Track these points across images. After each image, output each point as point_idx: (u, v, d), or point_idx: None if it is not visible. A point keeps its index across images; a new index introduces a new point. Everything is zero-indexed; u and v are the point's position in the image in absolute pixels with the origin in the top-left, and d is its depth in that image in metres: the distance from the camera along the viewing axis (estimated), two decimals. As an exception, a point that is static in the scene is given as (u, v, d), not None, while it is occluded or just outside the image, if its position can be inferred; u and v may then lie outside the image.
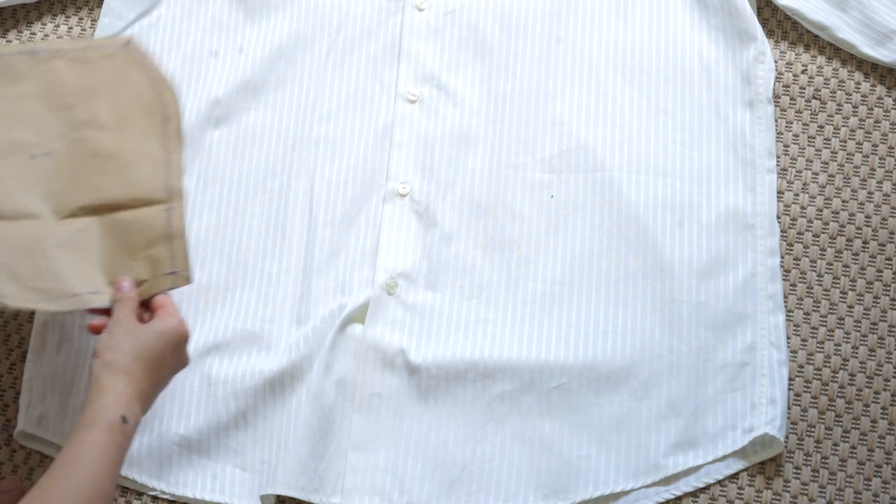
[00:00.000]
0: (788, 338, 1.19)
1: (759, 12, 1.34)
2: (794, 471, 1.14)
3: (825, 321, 1.20)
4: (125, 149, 1.16)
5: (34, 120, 1.18)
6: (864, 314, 1.20)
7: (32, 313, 1.22)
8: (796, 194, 1.26)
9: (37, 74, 1.20)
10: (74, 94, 1.19)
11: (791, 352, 1.19)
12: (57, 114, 1.18)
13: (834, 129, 1.29)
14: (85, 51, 1.21)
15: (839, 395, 1.17)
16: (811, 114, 1.30)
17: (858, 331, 1.19)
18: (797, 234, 1.24)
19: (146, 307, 1.09)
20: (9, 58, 1.20)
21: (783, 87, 1.31)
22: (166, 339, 1.05)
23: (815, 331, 1.20)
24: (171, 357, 1.06)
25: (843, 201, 1.26)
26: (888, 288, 1.21)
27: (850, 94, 1.30)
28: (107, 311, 1.08)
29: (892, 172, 1.27)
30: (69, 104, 1.18)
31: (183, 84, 1.32)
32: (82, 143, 1.16)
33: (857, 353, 1.18)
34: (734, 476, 1.14)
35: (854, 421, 1.16)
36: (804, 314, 1.20)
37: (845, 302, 1.21)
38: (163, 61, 1.33)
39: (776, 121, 1.29)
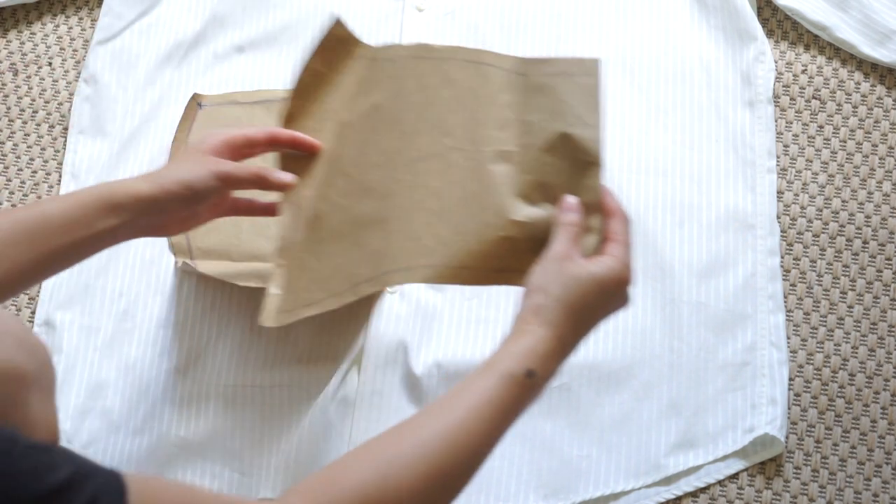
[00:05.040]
0: (788, 338, 1.19)
1: (759, 12, 1.34)
2: (794, 471, 1.14)
3: (825, 321, 1.20)
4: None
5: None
6: (863, 314, 1.20)
7: (33, 313, 1.22)
8: (796, 194, 1.26)
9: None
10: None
11: (791, 352, 1.18)
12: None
13: (834, 129, 1.29)
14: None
15: (839, 395, 1.17)
16: (811, 114, 1.30)
17: (858, 331, 1.19)
18: (797, 234, 1.24)
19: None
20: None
21: (783, 87, 1.31)
22: (604, 289, 0.89)
23: (815, 331, 1.20)
24: (607, 307, 0.91)
25: (843, 201, 1.25)
26: (888, 288, 1.21)
27: (850, 94, 1.30)
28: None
29: (892, 172, 1.27)
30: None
31: (182, 84, 1.32)
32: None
33: (856, 352, 1.18)
34: (734, 476, 1.14)
35: (854, 421, 1.16)
36: (804, 314, 1.20)
37: (845, 302, 1.21)
38: (162, 62, 1.33)
39: (776, 121, 1.29)
